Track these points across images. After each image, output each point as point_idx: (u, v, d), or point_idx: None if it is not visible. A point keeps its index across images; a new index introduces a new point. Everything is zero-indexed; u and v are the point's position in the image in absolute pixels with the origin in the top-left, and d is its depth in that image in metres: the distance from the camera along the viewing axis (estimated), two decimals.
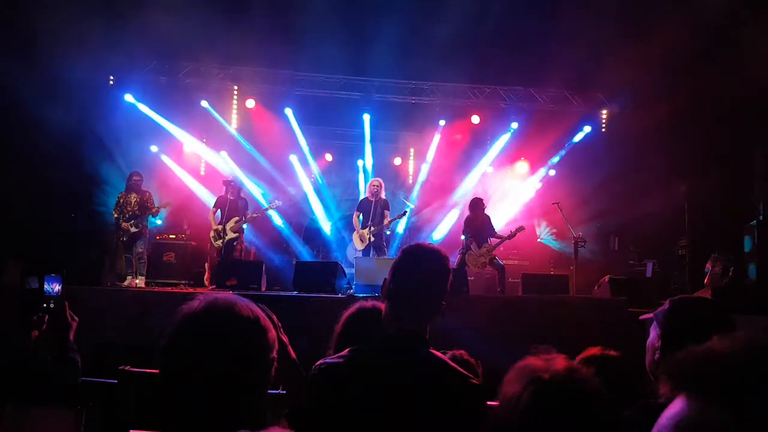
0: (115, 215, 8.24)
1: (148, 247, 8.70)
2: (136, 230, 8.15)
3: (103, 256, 8.39)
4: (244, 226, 8.58)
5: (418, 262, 1.83)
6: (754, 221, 8.01)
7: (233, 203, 8.35)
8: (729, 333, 1.65)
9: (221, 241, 8.26)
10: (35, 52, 7.82)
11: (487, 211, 8.65)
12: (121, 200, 8.28)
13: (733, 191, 8.55)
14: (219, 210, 8.46)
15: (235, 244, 8.39)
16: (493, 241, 8.34)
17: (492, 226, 8.53)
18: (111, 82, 10.40)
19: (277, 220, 10.87)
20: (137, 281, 8.12)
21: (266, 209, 8.94)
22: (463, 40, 8.84)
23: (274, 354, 1.29)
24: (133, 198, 8.23)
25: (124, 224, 8.12)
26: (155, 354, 1.24)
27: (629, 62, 8.52)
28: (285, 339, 1.78)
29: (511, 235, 8.40)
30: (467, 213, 8.81)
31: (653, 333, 1.74)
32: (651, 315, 1.80)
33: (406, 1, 8.66)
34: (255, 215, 8.56)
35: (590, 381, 1.04)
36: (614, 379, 1.48)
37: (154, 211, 8.29)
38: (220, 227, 8.29)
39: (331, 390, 1.67)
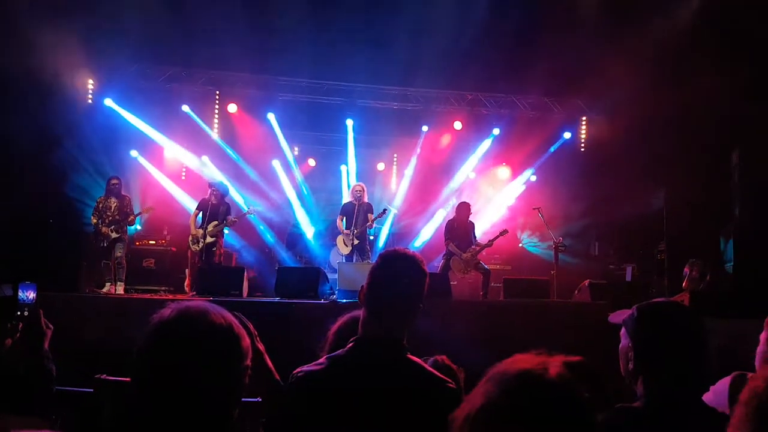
0: (94, 220, 8.07)
1: (127, 252, 8.58)
2: (117, 235, 8.02)
3: (80, 262, 8.25)
4: (226, 230, 8.49)
5: (394, 267, 1.83)
6: (731, 226, 8.16)
7: (215, 207, 8.17)
8: (698, 337, 1.68)
9: (198, 245, 8.11)
10: (11, 54, 7.69)
11: (471, 218, 8.71)
12: (101, 205, 8.12)
13: (710, 196, 8.70)
14: (201, 213, 8.31)
15: (213, 249, 8.21)
16: (478, 245, 8.39)
17: (474, 234, 8.59)
18: (90, 87, 10.25)
19: (260, 225, 10.82)
20: (116, 287, 7.98)
21: (245, 213, 8.81)
22: (445, 47, 8.90)
23: (248, 362, 1.28)
24: (113, 203, 8.09)
25: (104, 229, 7.98)
26: (129, 362, 1.22)
27: (608, 69, 8.64)
28: (261, 347, 1.76)
29: (494, 239, 8.47)
30: (452, 216, 8.86)
31: (624, 340, 1.75)
32: (619, 318, 1.80)
33: (390, 8, 8.69)
34: (234, 219, 8.39)
35: (583, 395, 1.02)
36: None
37: (131, 219, 8.17)
38: (199, 231, 8.14)
39: (308, 397, 1.66)
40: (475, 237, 8.56)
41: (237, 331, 1.27)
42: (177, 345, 1.19)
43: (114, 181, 8.19)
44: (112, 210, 8.04)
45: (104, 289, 7.89)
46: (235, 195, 10.58)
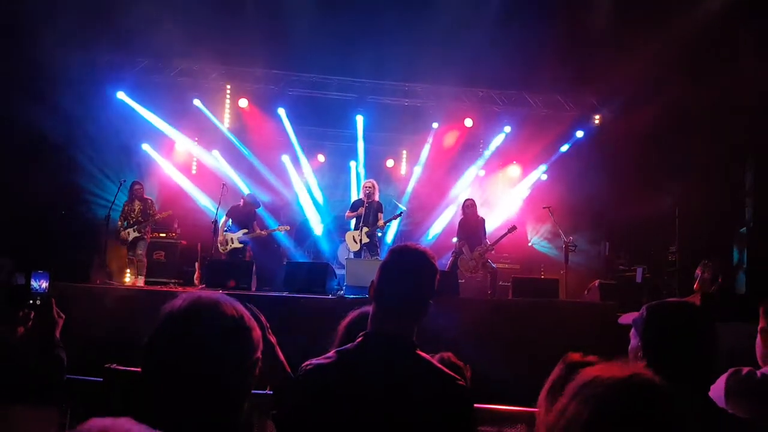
0: (120, 222, 8.55)
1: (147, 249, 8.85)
2: (138, 235, 8.49)
3: (93, 253, 8.38)
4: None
5: (405, 263, 1.83)
6: (744, 229, 8.07)
7: (246, 216, 8.93)
8: (707, 337, 1.67)
9: (226, 247, 8.75)
10: (25, 48, 7.75)
11: (479, 214, 8.69)
12: (126, 208, 8.62)
13: (723, 198, 8.61)
14: (231, 219, 8.94)
15: (240, 256, 8.80)
16: (486, 244, 8.37)
17: (484, 230, 8.56)
18: (104, 80, 10.31)
19: (269, 219, 10.87)
20: (138, 281, 8.31)
21: (273, 230, 9.47)
22: (456, 44, 8.86)
23: (259, 354, 1.28)
24: (137, 206, 8.59)
25: (124, 232, 8.47)
26: (139, 352, 1.23)
27: (622, 68, 8.57)
28: (273, 339, 1.76)
29: (503, 236, 8.44)
30: (461, 216, 8.85)
31: (634, 340, 1.74)
32: (629, 319, 1.80)
33: (401, 4, 8.66)
34: (262, 232, 9.06)
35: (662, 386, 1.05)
36: None
37: (156, 218, 8.63)
38: (228, 235, 8.84)
39: (317, 391, 1.66)
40: (485, 234, 8.53)
41: (248, 323, 1.26)
42: (188, 335, 1.19)
43: (137, 186, 8.73)
44: (136, 212, 8.55)
45: (127, 282, 8.28)
46: (245, 189, 10.69)
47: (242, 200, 9.06)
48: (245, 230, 8.83)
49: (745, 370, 1.91)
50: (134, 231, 8.45)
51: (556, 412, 1.08)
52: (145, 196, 8.74)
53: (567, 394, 1.08)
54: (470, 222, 8.50)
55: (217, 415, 1.18)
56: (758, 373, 1.90)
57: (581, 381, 1.07)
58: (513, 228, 8.53)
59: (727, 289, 7.08)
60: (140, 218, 8.52)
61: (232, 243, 8.78)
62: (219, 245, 8.74)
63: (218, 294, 1.29)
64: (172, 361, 1.18)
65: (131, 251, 8.49)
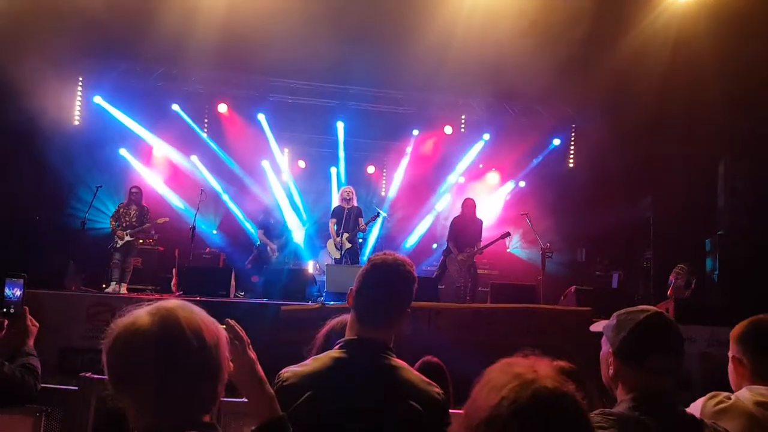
0: (113, 223, 8.43)
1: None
2: (131, 240, 8.37)
3: (67, 260, 8.23)
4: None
5: (384, 272, 1.85)
6: (717, 235, 8.25)
7: (279, 228, 9.69)
8: (677, 345, 1.71)
9: (276, 254, 9.44)
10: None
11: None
12: (121, 210, 8.51)
13: (697, 205, 8.79)
14: (263, 232, 9.56)
15: (287, 260, 9.76)
16: (477, 246, 8.31)
17: (480, 232, 8.41)
18: (80, 84, 10.18)
19: (247, 225, 10.83)
20: (120, 288, 8.19)
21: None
22: (436, 52, 8.93)
23: (224, 375, 1.26)
24: (133, 210, 8.50)
25: (120, 232, 8.33)
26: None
27: (597, 77, 8.71)
28: (253, 356, 1.75)
29: (495, 240, 8.41)
30: (442, 222, 8.82)
31: (605, 347, 1.78)
32: (600, 327, 1.84)
33: (384, 13, 8.70)
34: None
35: (577, 396, 1.04)
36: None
37: (149, 225, 8.59)
38: (272, 245, 9.48)
39: (293, 399, 1.66)
40: (480, 236, 8.37)
41: (207, 340, 1.22)
42: (142, 352, 1.18)
43: (135, 190, 8.64)
44: (131, 216, 8.44)
45: (109, 289, 8.09)
46: (217, 188, 10.86)
47: (269, 217, 9.80)
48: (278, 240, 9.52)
49: (722, 395, 1.95)
50: (128, 235, 8.30)
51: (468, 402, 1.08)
52: (144, 204, 8.67)
53: (477, 385, 1.08)
54: (464, 221, 8.38)
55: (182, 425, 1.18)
56: (732, 397, 1.94)
57: (486, 376, 1.07)
58: (506, 234, 8.50)
59: (700, 294, 7.24)
60: (135, 222, 8.40)
61: (278, 252, 9.55)
62: (270, 254, 9.32)
63: (182, 317, 1.23)
64: (136, 377, 1.18)
65: (118, 256, 8.28)
